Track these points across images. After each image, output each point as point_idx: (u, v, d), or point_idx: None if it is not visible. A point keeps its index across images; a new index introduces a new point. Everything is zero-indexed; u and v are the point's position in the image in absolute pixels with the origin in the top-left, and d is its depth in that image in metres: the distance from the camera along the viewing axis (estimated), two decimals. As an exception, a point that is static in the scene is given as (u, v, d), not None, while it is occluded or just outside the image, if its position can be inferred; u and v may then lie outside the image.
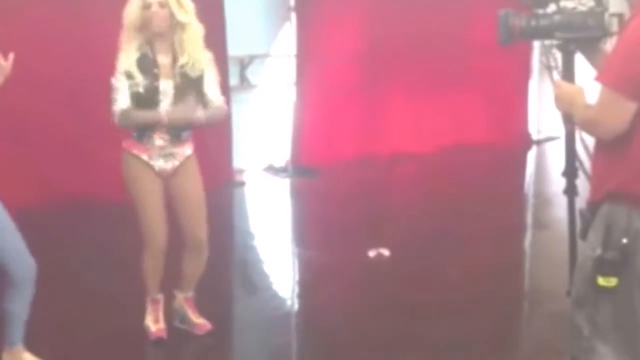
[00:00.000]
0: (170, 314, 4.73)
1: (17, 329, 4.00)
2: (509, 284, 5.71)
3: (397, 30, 8.93)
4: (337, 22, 8.70)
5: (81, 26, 6.89)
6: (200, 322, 4.73)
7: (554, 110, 3.21)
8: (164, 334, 4.59)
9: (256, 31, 9.03)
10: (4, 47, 3.78)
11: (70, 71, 6.94)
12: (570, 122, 3.27)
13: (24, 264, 3.92)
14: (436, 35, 9.07)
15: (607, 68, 2.95)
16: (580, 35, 3.20)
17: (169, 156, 4.44)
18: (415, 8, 8.98)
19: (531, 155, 10.14)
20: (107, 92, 4.32)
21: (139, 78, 4.27)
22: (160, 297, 4.65)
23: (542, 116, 10.23)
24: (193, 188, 4.55)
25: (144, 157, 4.40)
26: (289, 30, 8.86)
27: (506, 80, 9.83)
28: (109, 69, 4.34)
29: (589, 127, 3.04)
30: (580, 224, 3.14)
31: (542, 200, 8.09)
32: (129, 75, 4.27)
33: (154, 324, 4.62)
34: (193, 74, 4.36)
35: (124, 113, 4.27)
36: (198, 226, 4.57)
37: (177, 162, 4.47)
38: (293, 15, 8.78)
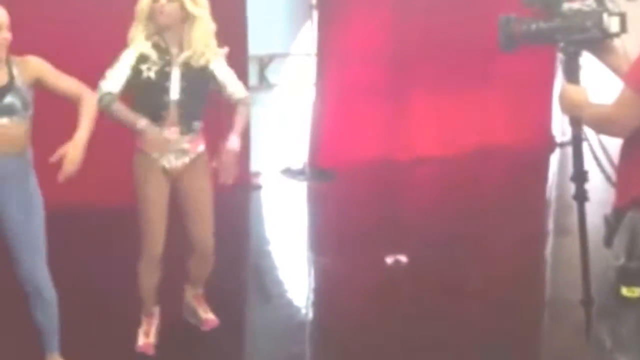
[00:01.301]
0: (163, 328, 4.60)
1: (51, 338, 4.00)
2: (529, 291, 5.57)
3: (419, 30, 8.81)
4: (358, 22, 8.59)
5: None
6: (208, 317, 4.65)
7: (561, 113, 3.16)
8: (148, 350, 4.42)
9: (276, 29, 8.92)
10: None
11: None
12: (577, 125, 3.23)
13: (40, 279, 3.87)
14: (459, 36, 8.91)
15: (633, 69, 2.93)
16: (580, 37, 3.17)
17: (179, 152, 4.27)
18: (438, 8, 8.85)
19: (554, 157, 9.99)
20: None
21: (154, 57, 4.12)
22: (156, 310, 4.52)
23: (566, 118, 10.04)
24: (202, 191, 4.38)
25: (154, 155, 4.21)
26: (310, 29, 8.75)
27: (530, 81, 9.67)
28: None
29: (602, 124, 3.03)
30: (605, 230, 3.08)
31: (564, 204, 7.90)
32: (143, 59, 4.13)
33: (144, 336, 4.47)
34: (196, 64, 4.20)
35: (110, 97, 4.10)
36: (205, 231, 4.42)
37: (187, 160, 4.30)
38: (315, 14, 8.68)
